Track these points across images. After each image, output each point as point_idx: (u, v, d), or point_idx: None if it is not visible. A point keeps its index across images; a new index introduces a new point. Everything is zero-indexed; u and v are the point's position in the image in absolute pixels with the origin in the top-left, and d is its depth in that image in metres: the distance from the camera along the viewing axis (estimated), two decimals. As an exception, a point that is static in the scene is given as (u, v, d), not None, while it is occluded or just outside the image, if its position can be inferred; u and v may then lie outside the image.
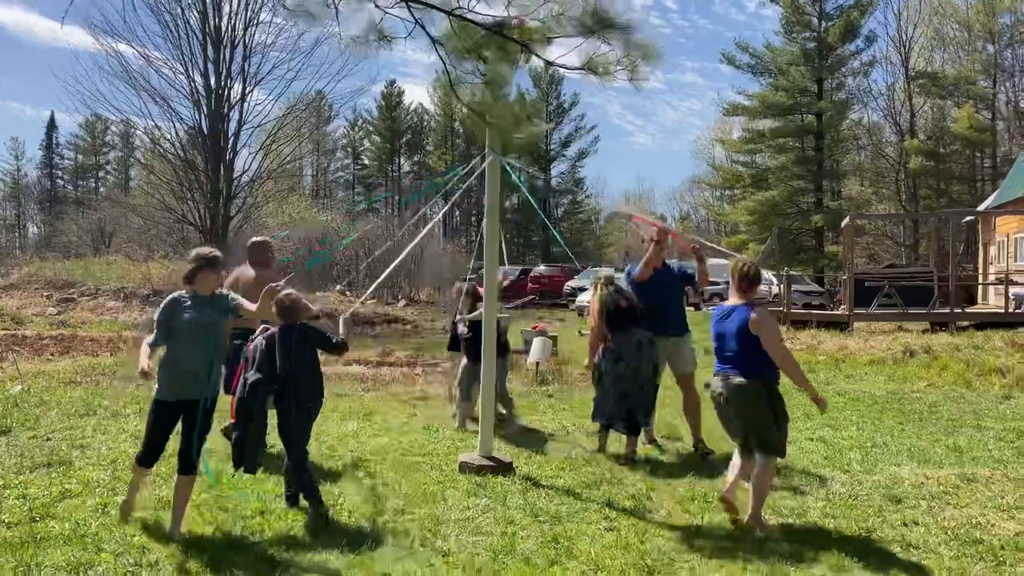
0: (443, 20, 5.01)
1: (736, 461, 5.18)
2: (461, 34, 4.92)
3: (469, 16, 4.97)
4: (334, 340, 5.27)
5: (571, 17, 5.08)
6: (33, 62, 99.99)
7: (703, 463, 6.72)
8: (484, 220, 6.48)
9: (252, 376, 5.11)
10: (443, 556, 4.51)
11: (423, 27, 4.91)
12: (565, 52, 5.32)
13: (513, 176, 6.84)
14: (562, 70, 5.79)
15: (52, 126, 73.83)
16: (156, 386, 4.79)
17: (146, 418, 4.94)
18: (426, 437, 7.71)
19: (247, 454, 5.06)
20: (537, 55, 5.32)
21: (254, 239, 7.77)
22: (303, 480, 5.10)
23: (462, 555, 4.52)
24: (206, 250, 5.02)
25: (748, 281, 5.14)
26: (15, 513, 5.02)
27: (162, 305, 4.85)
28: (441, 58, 5.04)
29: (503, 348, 7.95)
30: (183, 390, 4.74)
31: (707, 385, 5.45)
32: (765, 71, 43.87)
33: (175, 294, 4.90)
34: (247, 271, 7.25)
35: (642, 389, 6.77)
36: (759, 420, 4.90)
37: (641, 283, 7.12)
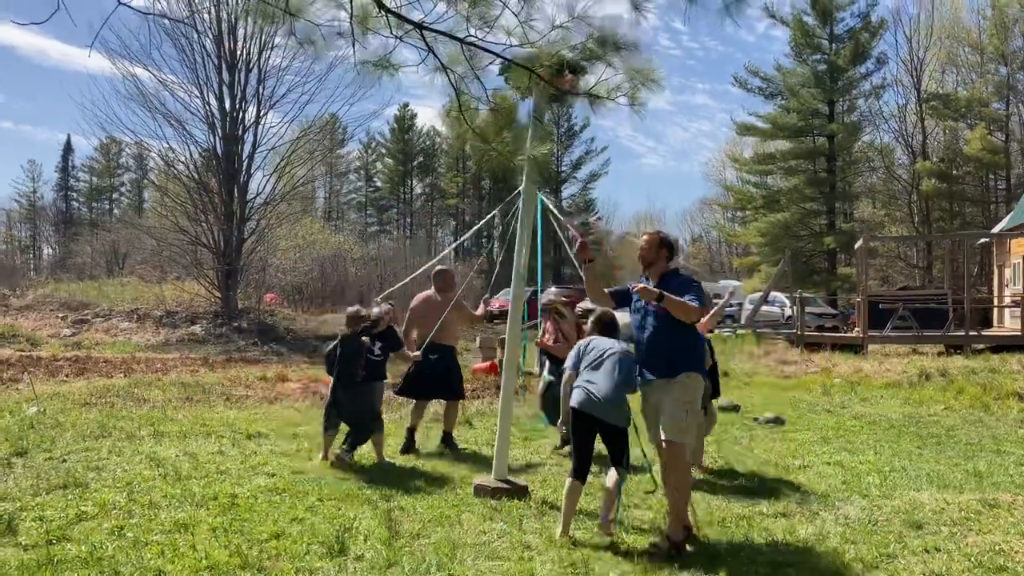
0: (453, 46, 5.07)
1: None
2: (471, 60, 4.98)
3: (480, 44, 5.02)
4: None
5: (575, 45, 5.14)
6: (47, 85, 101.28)
7: (723, 487, 6.66)
8: (516, 252, 6.47)
9: None
10: (460, 581, 4.48)
11: (435, 54, 4.96)
12: (587, 74, 5.38)
13: (548, 205, 6.92)
14: (567, 96, 5.86)
15: (68, 149, 74.66)
16: None
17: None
18: (439, 460, 7.70)
19: None
20: (546, 81, 5.37)
21: (439, 268, 8.62)
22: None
23: (479, 580, 4.49)
24: None
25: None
26: (32, 535, 5.01)
27: None
28: (452, 84, 5.09)
29: None
30: None
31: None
32: (776, 93, 43.95)
33: None
34: (432, 294, 8.34)
35: None
36: None
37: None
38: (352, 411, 7.32)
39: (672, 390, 5.06)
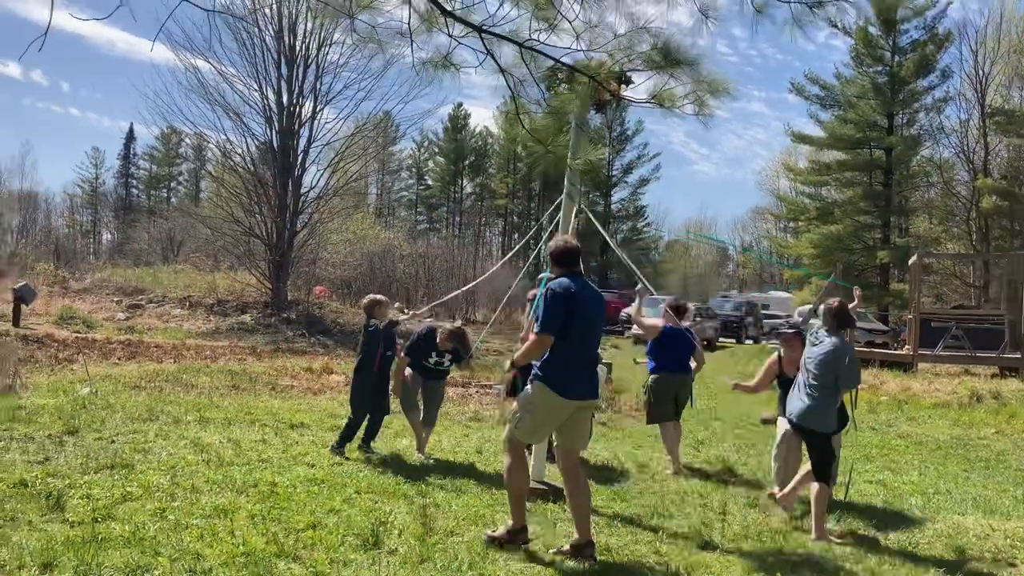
0: (513, 50, 5.10)
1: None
2: (531, 65, 5.00)
3: (540, 48, 5.04)
4: None
5: (640, 52, 5.13)
6: (112, 74, 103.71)
7: (761, 499, 6.59)
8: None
9: None
10: (491, 580, 4.50)
11: (494, 57, 5.00)
12: (634, 84, 5.36)
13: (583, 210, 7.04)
14: (632, 102, 5.86)
15: (131, 137, 76.40)
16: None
17: None
18: (476, 458, 7.74)
19: None
20: (605, 88, 5.37)
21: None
22: None
23: (510, 581, 4.51)
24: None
25: None
26: (79, 512, 5.16)
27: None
28: (510, 87, 5.13)
29: None
30: None
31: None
32: (834, 103, 43.20)
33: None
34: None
35: None
36: None
37: None
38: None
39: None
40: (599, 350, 6.35)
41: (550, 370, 4.97)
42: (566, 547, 4.92)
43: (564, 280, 5.06)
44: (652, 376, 8.00)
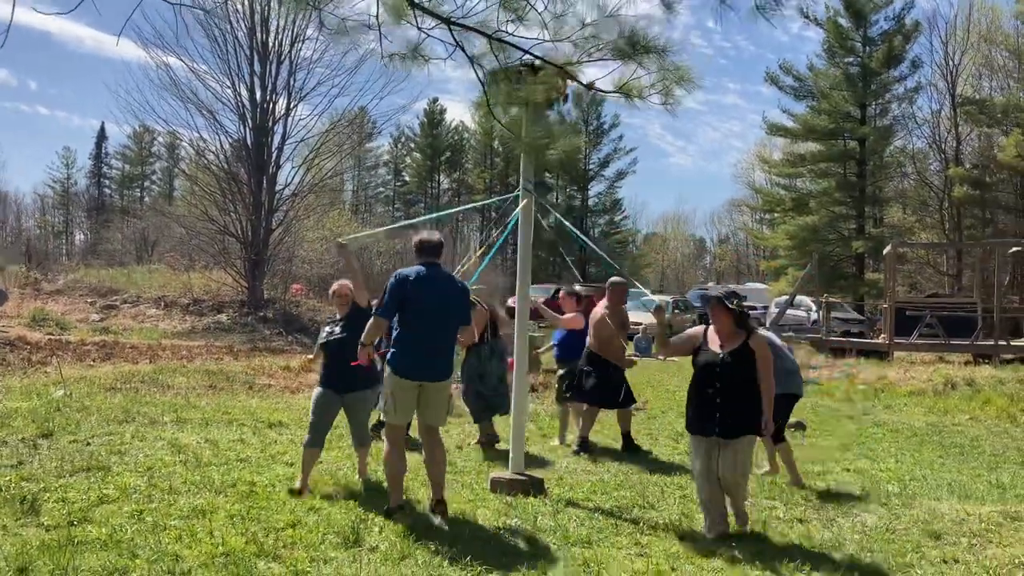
0: (482, 41, 5.07)
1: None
2: (500, 56, 4.98)
3: (509, 39, 5.02)
4: None
5: (607, 40, 5.12)
6: (81, 72, 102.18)
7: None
8: (519, 251, 6.60)
9: None
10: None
11: (463, 49, 4.97)
12: (602, 75, 5.36)
13: (551, 213, 7.10)
14: (598, 93, 5.86)
15: (102, 136, 75.51)
16: None
17: None
18: (457, 454, 7.73)
19: None
20: (574, 79, 5.37)
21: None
22: None
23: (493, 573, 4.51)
24: None
25: None
26: (54, 516, 5.10)
27: None
28: (479, 79, 5.11)
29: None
30: None
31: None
32: (807, 94, 43.50)
33: None
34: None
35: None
36: None
37: None
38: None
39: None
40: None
41: (393, 354, 5.46)
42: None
43: (405, 270, 5.58)
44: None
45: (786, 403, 6.85)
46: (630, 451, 8.19)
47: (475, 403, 8.21)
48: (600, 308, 8.32)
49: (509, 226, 7.26)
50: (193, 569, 4.35)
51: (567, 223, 8.63)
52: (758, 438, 5.63)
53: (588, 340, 8.25)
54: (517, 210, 6.55)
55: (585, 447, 8.03)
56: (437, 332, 5.50)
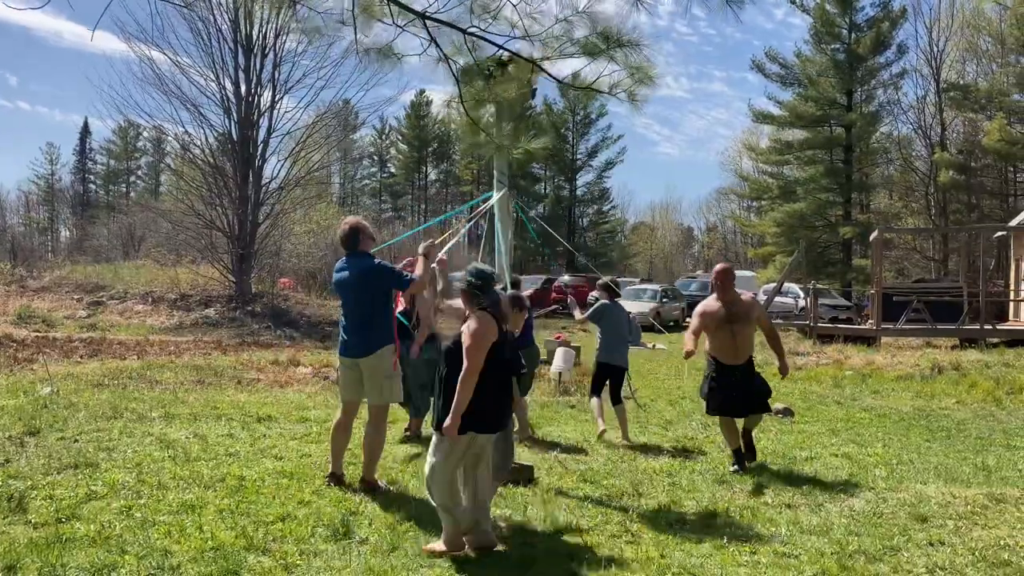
0: (457, 37, 5.06)
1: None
2: (474, 51, 4.98)
3: (482, 34, 5.02)
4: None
5: (576, 39, 5.14)
6: (62, 67, 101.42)
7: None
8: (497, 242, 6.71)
9: None
10: (460, 566, 4.51)
11: (437, 44, 4.96)
12: (579, 68, 5.38)
13: (522, 215, 7.29)
14: (572, 89, 5.91)
15: (86, 131, 74.97)
16: None
17: None
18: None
19: None
20: (547, 73, 5.37)
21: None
22: None
23: (482, 563, 4.52)
24: None
25: None
26: (42, 514, 5.08)
27: None
28: (453, 73, 5.10)
29: None
30: None
31: None
32: (794, 81, 43.58)
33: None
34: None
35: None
36: None
37: None
38: None
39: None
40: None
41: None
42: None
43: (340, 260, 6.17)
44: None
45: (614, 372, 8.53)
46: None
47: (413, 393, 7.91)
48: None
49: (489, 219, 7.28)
50: (183, 564, 4.35)
51: (529, 217, 8.78)
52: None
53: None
54: (493, 200, 6.59)
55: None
56: (352, 310, 6.00)
